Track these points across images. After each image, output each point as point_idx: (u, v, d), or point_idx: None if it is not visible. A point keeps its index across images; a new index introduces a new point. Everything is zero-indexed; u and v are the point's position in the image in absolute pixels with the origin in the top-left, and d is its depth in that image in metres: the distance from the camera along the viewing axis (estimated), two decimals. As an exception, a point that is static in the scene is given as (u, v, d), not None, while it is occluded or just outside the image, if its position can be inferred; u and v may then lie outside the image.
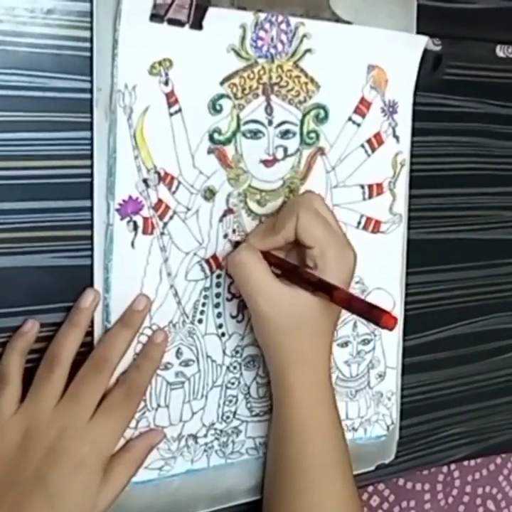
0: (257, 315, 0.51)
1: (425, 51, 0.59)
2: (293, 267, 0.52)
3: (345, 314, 0.59)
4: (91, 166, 0.49)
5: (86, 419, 0.47)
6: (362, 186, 0.59)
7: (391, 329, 0.45)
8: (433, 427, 0.71)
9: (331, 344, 0.54)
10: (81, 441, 0.46)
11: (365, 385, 0.62)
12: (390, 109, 0.59)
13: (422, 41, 0.58)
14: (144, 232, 0.50)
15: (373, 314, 0.46)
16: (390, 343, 0.63)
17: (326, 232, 0.51)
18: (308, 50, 0.54)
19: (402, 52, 0.58)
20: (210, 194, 0.52)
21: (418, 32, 0.59)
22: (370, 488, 0.70)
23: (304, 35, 0.54)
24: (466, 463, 0.78)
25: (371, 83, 0.57)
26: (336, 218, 0.54)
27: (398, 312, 0.63)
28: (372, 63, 0.57)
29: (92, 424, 0.47)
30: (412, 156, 0.62)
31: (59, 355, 0.47)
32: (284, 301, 0.50)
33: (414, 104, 0.61)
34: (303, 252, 0.52)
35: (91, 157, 0.49)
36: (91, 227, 0.49)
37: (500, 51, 0.65)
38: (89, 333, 0.50)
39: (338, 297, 0.48)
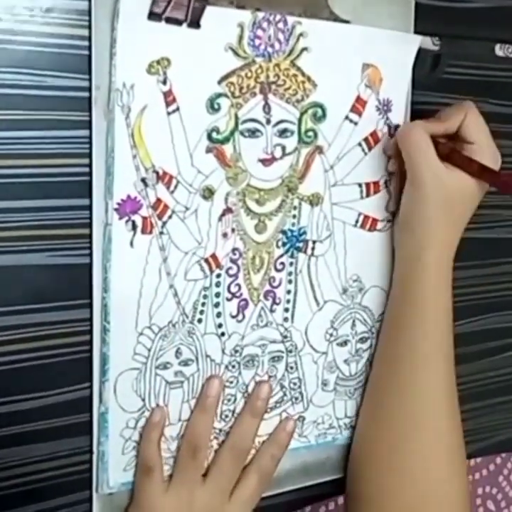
0: (419, 188, 0.55)
1: (425, 51, 0.59)
2: (459, 152, 0.56)
3: (343, 313, 0.60)
4: (90, 165, 0.49)
5: (226, 501, 0.54)
6: (359, 185, 0.59)
7: None
8: (432, 426, 0.70)
9: (463, 231, 0.58)
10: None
11: (364, 383, 0.62)
12: (385, 108, 0.59)
13: (416, 40, 0.58)
14: (143, 232, 0.50)
15: None
16: (389, 341, 0.63)
17: (486, 134, 0.56)
18: (304, 49, 0.54)
19: (396, 51, 0.58)
20: (208, 193, 0.52)
21: (416, 31, 0.59)
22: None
23: (301, 34, 0.54)
24: (466, 459, 0.78)
25: (366, 82, 0.57)
26: None
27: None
28: (366, 62, 0.57)
29: (230, 506, 0.54)
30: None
31: (198, 443, 0.53)
32: (446, 176, 0.54)
33: (414, 103, 0.61)
34: (459, 147, 0.56)
35: (90, 156, 0.49)
36: (90, 225, 0.49)
37: (500, 50, 0.65)
38: (88, 331, 0.50)
39: (504, 180, 0.55)
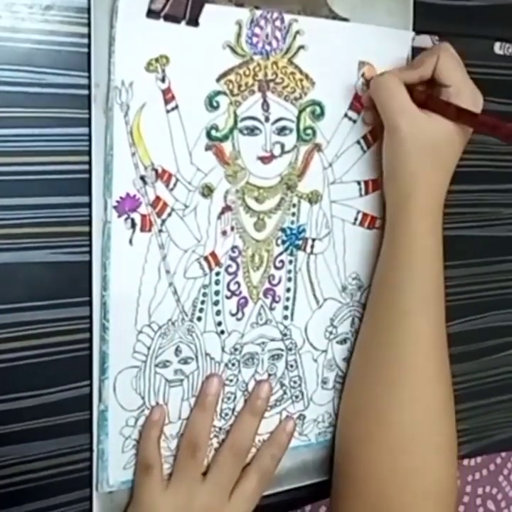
0: (395, 134, 0.54)
1: (424, 49, 0.59)
2: (435, 97, 0.55)
3: (342, 311, 0.59)
4: (89, 163, 0.49)
5: (225, 500, 0.54)
6: (358, 182, 0.59)
7: None
8: (432, 425, 0.70)
9: (450, 177, 0.57)
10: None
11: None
12: (383, 105, 0.59)
13: (409, 36, 0.59)
14: (142, 230, 0.50)
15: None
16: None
17: (463, 75, 0.55)
18: (301, 47, 0.54)
19: (391, 48, 0.58)
20: (207, 191, 0.52)
21: (415, 29, 0.59)
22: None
23: (297, 32, 0.54)
24: (466, 463, 0.78)
25: (363, 79, 0.57)
26: None
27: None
28: (362, 59, 0.57)
29: (230, 506, 0.54)
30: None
31: (198, 442, 0.53)
32: (423, 122, 0.53)
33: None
34: (437, 92, 0.55)
35: (89, 153, 0.49)
36: (89, 223, 0.49)
37: (499, 48, 0.65)
38: (88, 329, 0.50)
39: (481, 121, 0.53)
